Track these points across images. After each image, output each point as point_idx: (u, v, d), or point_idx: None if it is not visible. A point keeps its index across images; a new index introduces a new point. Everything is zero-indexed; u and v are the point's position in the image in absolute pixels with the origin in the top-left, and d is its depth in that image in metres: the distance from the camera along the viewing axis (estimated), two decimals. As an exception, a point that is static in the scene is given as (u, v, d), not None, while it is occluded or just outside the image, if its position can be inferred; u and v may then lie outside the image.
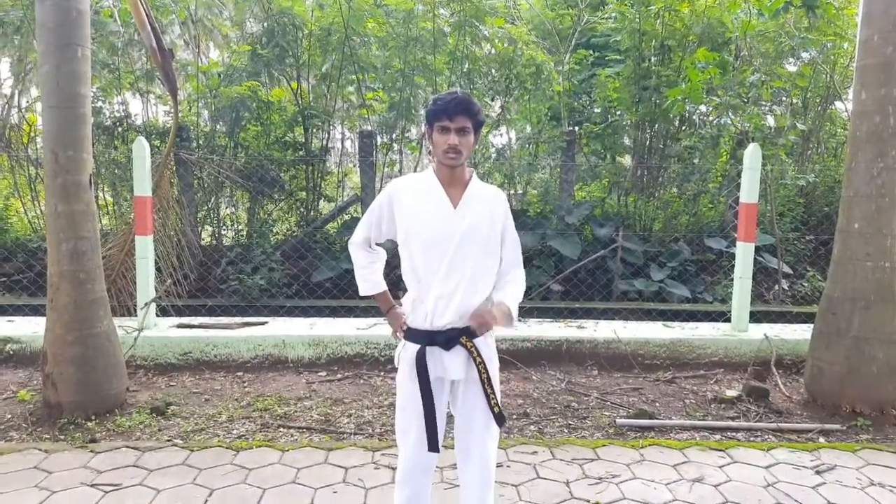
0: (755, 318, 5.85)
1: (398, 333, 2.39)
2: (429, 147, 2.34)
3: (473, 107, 2.22)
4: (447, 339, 2.26)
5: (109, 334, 4.13)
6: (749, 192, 5.29)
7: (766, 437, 3.94)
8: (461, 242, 2.25)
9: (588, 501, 3.11)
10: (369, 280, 2.50)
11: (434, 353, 2.28)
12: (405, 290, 2.41)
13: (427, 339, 2.27)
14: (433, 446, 2.27)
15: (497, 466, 3.37)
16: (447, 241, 2.24)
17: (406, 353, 2.33)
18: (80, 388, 3.94)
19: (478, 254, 2.28)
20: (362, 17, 7.37)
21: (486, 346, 2.34)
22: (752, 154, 5.29)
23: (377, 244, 2.49)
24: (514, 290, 2.37)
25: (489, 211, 2.32)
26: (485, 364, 2.28)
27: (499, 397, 2.34)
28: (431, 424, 2.25)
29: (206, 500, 3.07)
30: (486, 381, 2.27)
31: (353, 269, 6.68)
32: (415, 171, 8.30)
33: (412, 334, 2.32)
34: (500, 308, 2.29)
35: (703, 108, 7.83)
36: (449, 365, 2.28)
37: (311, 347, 5.05)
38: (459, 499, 2.44)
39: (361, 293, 2.53)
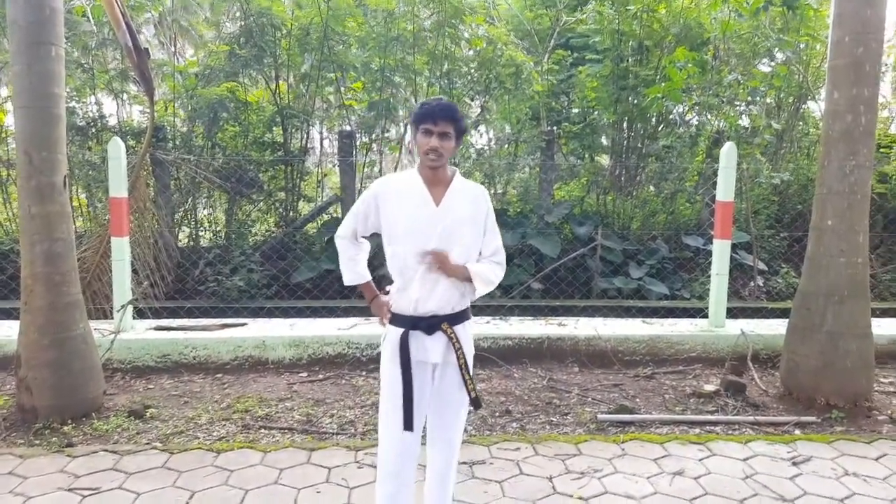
0: (732, 314, 5.94)
1: (384, 320, 2.51)
2: (409, 148, 2.44)
3: (456, 113, 2.36)
4: (429, 325, 2.40)
5: (85, 337, 4.06)
6: (725, 190, 5.37)
7: (744, 430, 4.01)
8: (443, 239, 2.37)
9: (571, 496, 3.13)
10: (354, 271, 2.60)
11: (417, 337, 2.40)
12: (390, 282, 2.54)
13: (411, 323, 2.41)
14: (408, 424, 2.38)
15: (479, 463, 3.41)
16: (430, 237, 2.36)
17: (390, 336, 2.45)
18: (56, 392, 3.87)
19: (459, 249, 2.40)
20: (341, 17, 7.34)
21: (464, 332, 2.47)
22: (727, 153, 5.37)
23: (363, 237, 2.60)
24: (486, 265, 2.49)
25: (471, 208, 2.45)
26: (463, 350, 2.41)
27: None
28: (408, 403, 2.37)
29: (187, 503, 3.03)
30: (463, 367, 2.42)
31: (333, 270, 6.75)
32: (395, 170, 8.29)
33: (397, 319, 2.45)
34: (458, 265, 2.39)
35: (680, 107, 7.95)
36: (430, 348, 2.41)
37: (291, 348, 5.02)
38: (427, 469, 2.59)
39: (346, 282, 2.62)
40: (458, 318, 2.45)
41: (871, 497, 3.16)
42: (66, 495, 3.08)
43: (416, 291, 2.39)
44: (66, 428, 3.80)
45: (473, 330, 2.58)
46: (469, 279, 2.41)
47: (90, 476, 3.26)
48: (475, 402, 2.45)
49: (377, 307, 2.55)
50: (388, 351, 2.45)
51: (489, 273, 2.47)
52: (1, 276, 6.46)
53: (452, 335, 2.40)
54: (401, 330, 2.40)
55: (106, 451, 3.54)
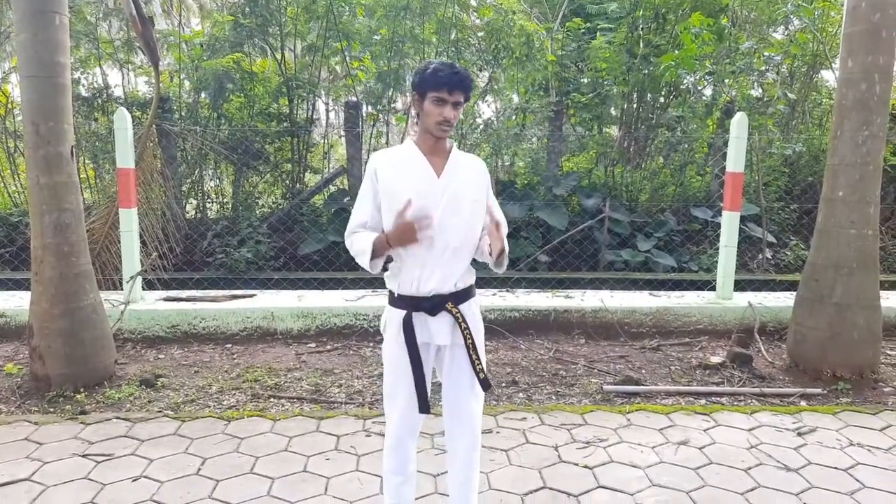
0: (739, 286, 5.92)
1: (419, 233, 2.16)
2: (414, 119, 2.32)
3: (471, 83, 2.24)
4: (432, 305, 2.28)
5: (96, 307, 4.10)
6: (735, 161, 5.31)
7: (750, 401, 4.03)
8: (446, 209, 2.24)
9: (576, 465, 3.17)
10: (365, 245, 2.24)
11: (420, 319, 2.29)
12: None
13: (413, 305, 2.28)
14: (423, 408, 2.30)
15: (486, 432, 3.44)
16: (432, 208, 2.23)
17: (392, 319, 2.35)
18: (68, 361, 3.92)
19: (461, 223, 2.28)
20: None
21: (470, 311, 2.35)
22: (738, 123, 5.30)
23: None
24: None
25: (473, 180, 2.33)
26: (469, 330, 2.30)
27: (483, 363, 2.37)
28: (421, 386, 2.27)
29: (199, 469, 3.09)
30: (470, 347, 2.30)
31: (340, 242, 6.61)
32: (402, 142, 8.24)
33: (398, 301, 2.33)
34: (500, 229, 2.23)
35: (692, 77, 7.81)
36: (435, 330, 2.30)
37: (299, 319, 5.05)
38: (448, 460, 2.49)
39: (370, 267, 2.26)
40: (463, 295, 2.33)
41: (875, 467, 3.17)
42: (80, 461, 3.15)
43: (417, 269, 2.26)
44: (79, 396, 3.87)
45: (480, 302, 2.45)
46: (503, 253, 2.25)
47: (104, 443, 3.32)
48: (484, 384, 2.33)
49: (398, 232, 2.17)
50: (391, 333, 2.34)
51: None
52: (11, 247, 6.51)
53: (458, 315, 2.28)
54: (403, 312, 2.28)
55: (119, 418, 3.60)
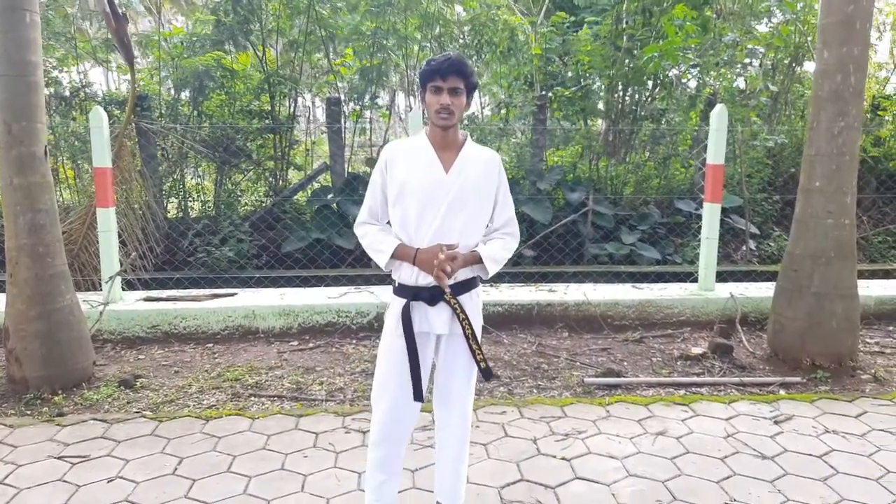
0: (722, 277, 5.95)
1: (446, 265, 2.21)
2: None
3: (466, 68, 2.24)
4: (431, 295, 2.29)
5: (73, 308, 4.06)
6: (716, 153, 5.32)
7: (729, 391, 4.05)
8: (451, 206, 2.27)
9: (554, 457, 3.17)
10: (385, 247, 2.31)
11: (420, 308, 2.31)
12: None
13: (412, 294, 2.30)
14: (418, 395, 2.32)
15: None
16: (437, 203, 2.26)
17: (393, 307, 2.37)
18: (45, 363, 3.88)
19: (466, 217, 2.30)
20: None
21: (471, 302, 2.37)
22: (718, 115, 5.32)
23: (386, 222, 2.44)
24: (498, 243, 2.39)
25: (482, 174, 2.33)
26: (469, 320, 2.32)
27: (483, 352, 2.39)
28: (416, 374, 2.30)
29: (176, 468, 3.07)
30: (470, 337, 2.32)
31: (322, 239, 6.61)
32: (384, 139, 8.22)
33: (399, 290, 2.36)
34: (465, 255, 2.29)
35: (676, 69, 7.83)
36: (434, 320, 2.32)
37: (281, 317, 5.03)
38: (437, 448, 2.51)
39: (384, 266, 2.35)
40: (464, 287, 2.34)
41: (849, 453, 3.20)
42: (55, 463, 3.12)
43: None
44: (56, 398, 3.83)
45: None
46: (479, 261, 2.32)
47: (80, 444, 3.30)
48: (486, 374, 2.35)
49: (427, 259, 2.24)
50: (390, 322, 2.36)
51: (500, 251, 2.37)
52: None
53: (456, 305, 2.29)
54: (403, 301, 2.31)
55: (96, 419, 3.57)
